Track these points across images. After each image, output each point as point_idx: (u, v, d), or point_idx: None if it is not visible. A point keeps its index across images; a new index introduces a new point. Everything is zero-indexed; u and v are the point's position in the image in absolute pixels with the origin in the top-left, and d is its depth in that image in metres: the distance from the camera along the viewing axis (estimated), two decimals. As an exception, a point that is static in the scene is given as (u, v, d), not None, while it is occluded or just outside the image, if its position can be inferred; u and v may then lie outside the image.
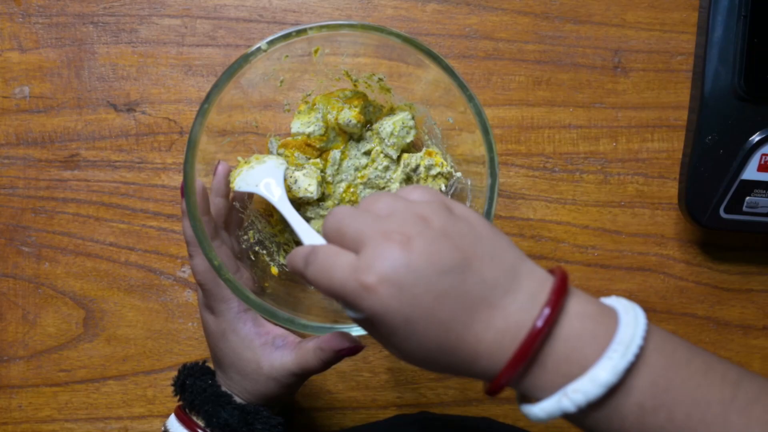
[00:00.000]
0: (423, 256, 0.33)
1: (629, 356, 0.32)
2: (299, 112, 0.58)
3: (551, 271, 0.36)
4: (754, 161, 0.58)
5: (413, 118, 0.57)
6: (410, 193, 0.38)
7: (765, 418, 0.33)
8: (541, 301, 0.34)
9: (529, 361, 0.34)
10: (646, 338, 0.33)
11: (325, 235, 0.38)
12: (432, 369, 0.36)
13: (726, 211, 0.60)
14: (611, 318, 0.34)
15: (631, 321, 0.34)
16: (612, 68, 0.64)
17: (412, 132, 0.57)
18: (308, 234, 0.49)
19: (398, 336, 0.34)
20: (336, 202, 0.59)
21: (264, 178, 0.53)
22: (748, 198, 0.59)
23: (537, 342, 0.33)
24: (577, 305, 0.35)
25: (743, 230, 0.61)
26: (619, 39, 0.64)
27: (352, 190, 0.59)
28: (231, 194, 0.54)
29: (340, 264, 0.35)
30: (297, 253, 0.39)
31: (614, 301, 0.36)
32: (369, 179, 0.58)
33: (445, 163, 0.56)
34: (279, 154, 0.58)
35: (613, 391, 0.33)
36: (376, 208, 0.37)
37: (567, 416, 0.34)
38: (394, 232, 0.34)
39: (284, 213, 0.51)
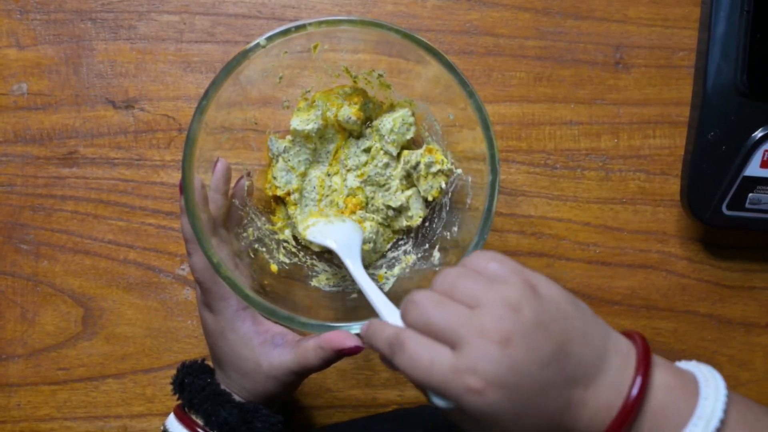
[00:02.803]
0: (524, 353, 0.34)
1: (710, 430, 0.34)
2: (298, 110, 0.57)
3: (629, 337, 0.38)
4: (757, 158, 0.58)
5: (413, 114, 0.57)
6: (486, 265, 0.38)
7: None
8: (628, 378, 0.35)
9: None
10: (727, 410, 0.34)
11: (410, 325, 0.38)
12: None
13: (728, 207, 0.59)
14: (692, 389, 0.35)
15: (711, 393, 0.35)
16: (613, 64, 0.64)
17: (412, 129, 0.57)
18: (387, 308, 0.45)
19: (502, 428, 0.35)
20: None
21: (341, 237, 0.53)
22: (750, 195, 0.59)
23: (630, 417, 0.34)
24: (660, 376, 0.36)
25: (745, 227, 0.60)
26: (621, 35, 0.64)
27: (329, 178, 0.59)
28: (230, 191, 0.53)
29: (439, 362, 0.35)
30: (378, 331, 0.39)
31: (694, 368, 0.37)
32: (369, 176, 0.58)
33: (445, 160, 0.56)
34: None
35: None
36: (459, 294, 0.37)
37: None
38: (492, 330, 0.35)
39: (360, 281, 0.49)
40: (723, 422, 0.34)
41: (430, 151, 0.56)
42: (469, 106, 0.49)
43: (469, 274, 0.38)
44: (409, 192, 0.58)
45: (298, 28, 0.48)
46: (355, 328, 0.47)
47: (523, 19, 0.63)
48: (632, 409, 0.34)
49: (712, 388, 0.35)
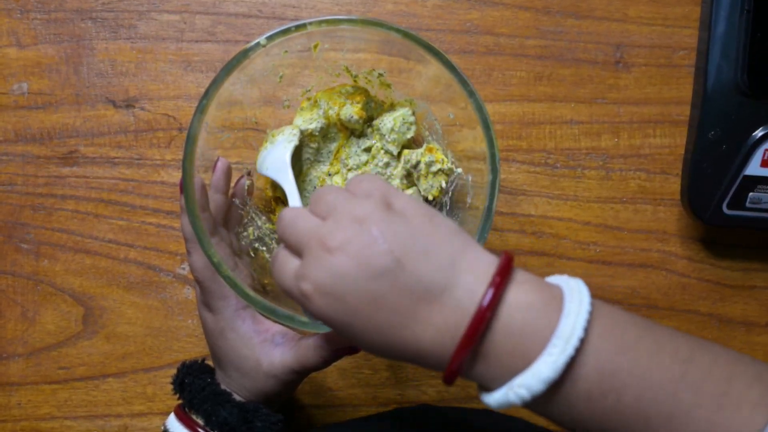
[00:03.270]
0: (354, 263, 0.34)
1: (569, 350, 0.32)
2: (301, 109, 0.57)
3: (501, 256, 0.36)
4: (757, 157, 0.58)
5: (414, 113, 0.57)
6: (358, 184, 0.38)
7: (715, 393, 0.32)
8: (478, 296, 0.34)
9: (470, 357, 0.34)
10: (590, 326, 0.33)
11: (279, 239, 0.39)
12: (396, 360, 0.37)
13: (729, 207, 0.59)
14: (556, 306, 0.34)
15: (573, 310, 0.33)
16: (614, 63, 0.64)
17: (413, 128, 0.57)
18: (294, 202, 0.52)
19: (345, 334, 0.36)
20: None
21: (274, 159, 0.55)
22: (751, 194, 0.59)
23: (473, 341, 0.33)
24: (519, 294, 0.34)
25: (746, 226, 0.60)
26: (621, 34, 0.63)
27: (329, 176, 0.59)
28: (230, 191, 0.53)
29: (287, 270, 0.37)
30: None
31: (563, 283, 0.36)
32: (370, 176, 0.58)
33: (445, 159, 0.56)
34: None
35: (558, 384, 0.33)
36: (319, 207, 0.38)
37: (519, 406, 0.34)
38: (329, 240, 0.35)
39: (288, 192, 0.53)
40: (583, 341, 0.33)
41: (430, 150, 0.56)
42: (469, 105, 0.49)
43: (338, 190, 0.38)
44: (409, 191, 0.58)
45: (298, 27, 0.48)
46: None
47: (524, 18, 0.63)
48: (479, 325, 0.33)
49: (575, 304, 0.33)
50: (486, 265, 0.35)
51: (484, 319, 0.33)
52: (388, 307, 0.34)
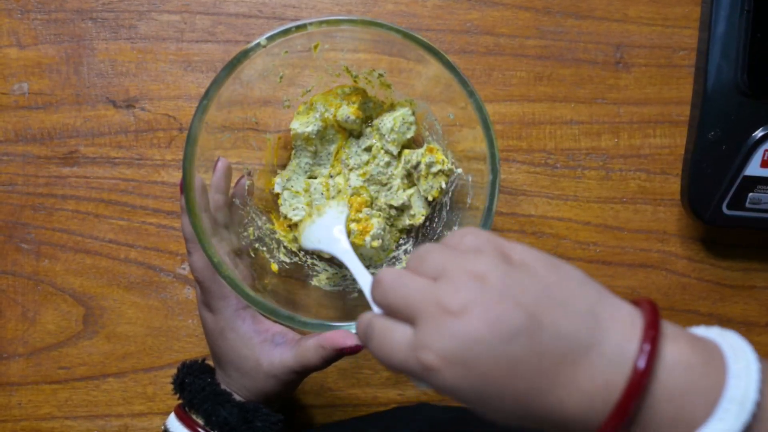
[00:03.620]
0: (484, 325, 0.30)
1: (744, 416, 0.28)
2: (298, 113, 0.57)
3: (636, 303, 0.32)
4: (757, 157, 0.58)
5: (414, 113, 0.57)
6: (461, 239, 0.35)
7: None
8: (632, 351, 0.30)
9: (626, 425, 0.30)
10: (763, 388, 0.29)
11: (377, 304, 0.35)
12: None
13: (729, 207, 0.59)
14: (717, 366, 0.30)
15: (742, 371, 0.29)
16: (614, 64, 0.64)
17: (413, 128, 0.57)
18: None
19: (475, 407, 0.32)
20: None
21: (326, 232, 0.53)
22: (750, 194, 0.59)
23: (630, 406, 0.29)
24: (675, 351, 0.30)
25: (746, 226, 0.60)
26: (621, 34, 0.64)
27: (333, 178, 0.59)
28: (230, 191, 0.53)
29: (397, 342, 0.33)
30: (359, 322, 0.37)
31: (717, 337, 0.32)
32: (371, 176, 0.58)
33: (446, 160, 0.56)
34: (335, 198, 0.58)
35: None
36: (423, 268, 0.34)
37: None
38: (449, 301, 0.31)
39: (348, 265, 0.49)
40: (759, 405, 0.28)
41: (430, 150, 0.56)
42: (469, 105, 0.49)
43: (441, 248, 0.35)
44: (410, 191, 0.58)
45: (298, 27, 0.48)
46: (355, 327, 0.47)
47: (524, 18, 0.63)
48: (637, 388, 0.29)
49: (742, 363, 0.29)
50: (629, 315, 0.31)
51: (642, 382, 0.29)
52: (527, 372, 0.30)
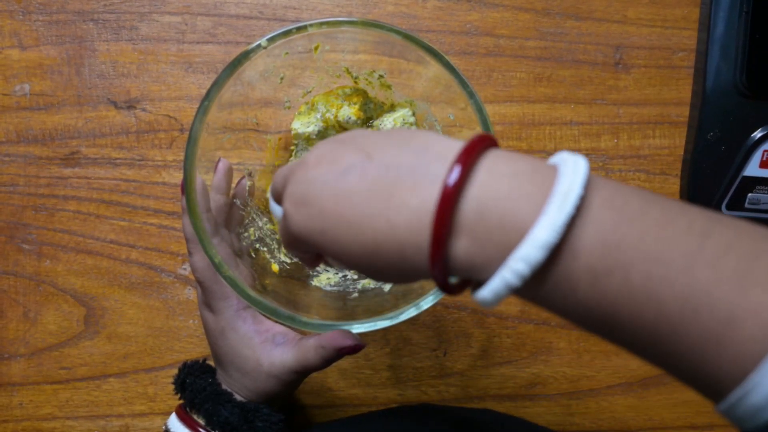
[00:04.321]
0: (324, 167, 0.33)
1: (567, 208, 0.28)
2: (299, 113, 0.58)
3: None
4: (756, 157, 0.58)
5: (414, 114, 0.57)
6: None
7: (738, 271, 0.27)
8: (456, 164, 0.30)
9: (454, 235, 0.30)
10: (589, 189, 0.29)
11: (275, 200, 0.40)
12: (382, 278, 0.34)
13: (728, 207, 0.59)
14: (549, 174, 0.30)
15: (569, 171, 0.29)
16: (613, 65, 0.64)
17: (413, 128, 0.57)
18: None
19: (324, 248, 0.33)
20: None
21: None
22: (750, 194, 0.59)
23: (451, 203, 0.29)
24: (505, 164, 0.30)
25: (745, 227, 0.60)
26: (621, 35, 0.64)
27: None
28: (231, 191, 0.54)
29: (280, 212, 0.37)
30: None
31: (556, 157, 0.31)
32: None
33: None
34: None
35: (558, 254, 0.28)
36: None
37: (518, 294, 0.30)
38: (307, 158, 0.35)
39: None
40: (582, 199, 0.28)
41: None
42: (469, 106, 0.49)
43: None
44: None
45: (299, 29, 0.48)
46: (356, 327, 0.47)
47: (524, 19, 0.63)
48: (452, 193, 0.29)
49: (570, 167, 0.29)
50: (458, 145, 0.32)
51: (460, 180, 0.29)
52: (359, 201, 0.32)
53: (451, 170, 0.29)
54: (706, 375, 0.28)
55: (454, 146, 0.31)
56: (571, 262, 0.28)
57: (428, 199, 0.30)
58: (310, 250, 0.37)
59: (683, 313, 0.27)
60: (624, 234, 0.28)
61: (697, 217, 0.29)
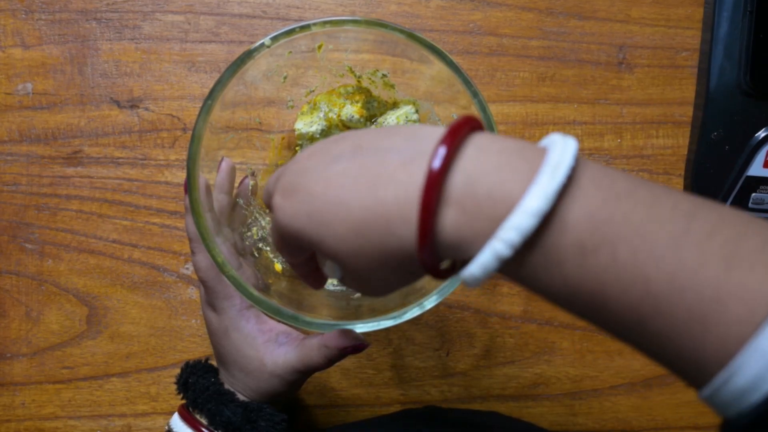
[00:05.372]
0: (315, 157, 0.34)
1: (558, 177, 0.28)
2: (302, 113, 0.57)
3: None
4: (760, 157, 0.58)
5: (417, 111, 0.57)
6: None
7: (723, 252, 0.27)
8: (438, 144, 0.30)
9: (443, 208, 0.30)
10: (578, 168, 0.29)
11: (266, 203, 0.39)
12: (380, 275, 0.33)
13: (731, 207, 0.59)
14: (538, 151, 0.30)
15: (558, 147, 0.29)
16: (616, 64, 0.64)
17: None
18: None
19: (314, 237, 0.33)
20: None
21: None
22: (753, 194, 0.59)
23: (440, 175, 0.29)
24: (493, 142, 0.31)
25: (749, 227, 0.60)
26: (624, 35, 0.64)
27: None
28: (234, 191, 0.54)
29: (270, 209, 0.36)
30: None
31: (546, 139, 0.32)
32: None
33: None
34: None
35: (548, 224, 0.28)
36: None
37: (505, 271, 0.30)
38: (298, 156, 0.35)
39: None
40: (573, 170, 0.29)
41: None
42: (473, 105, 0.49)
43: None
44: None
45: (302, 28, 0.48)
46: (359, 326, 0.47)
47: (527, 19, 0.63)
48: (442, 168, 0.29)
49: (559, 145, 0.30)
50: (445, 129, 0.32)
51: (448, 155, 0.30)
52: (348, 182, 0.32)
53: (439, 144, 0.30)
54: (692, 358, 0.28)
55: (442, 129, 0.32)
56: (559, 235, 0.28)
57: (416, 172, 0.30)
58: (301, 248, 0.36)
59: (670, 293, 0.27)
60: (612, 211, 0.28)
61: (682, 199, 0.29)
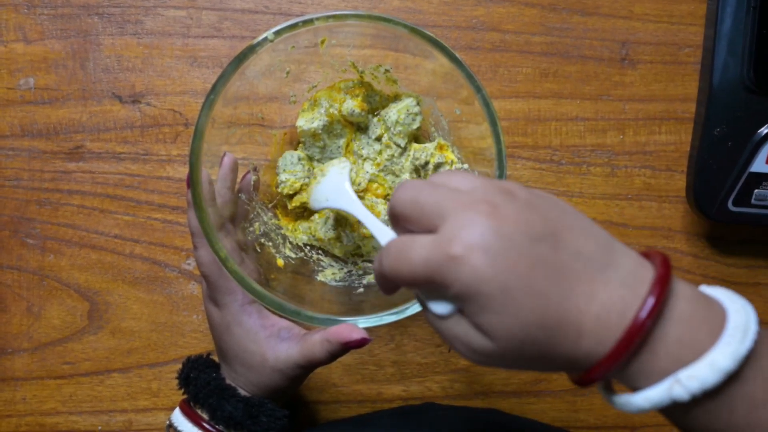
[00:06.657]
0: (512, 223, 0.31)
1: (748, 343, 0.30)
2: (303, 110, 0.57)
3: (644, 255, 0.34)
4: (763, 153, 0.58)
5: (418, 103, 0.57)
6: (449, 178, 0.36)
7: None
8: (647, 278, 0.32)
9: (639, 342, 0.31)
10: (760, 327, 0.32)
11: (396, 209, 0.35)
12: (523, 362, 0.33)
13: (734, 204, 0.59)
14: (717, 304, 0.32)
15: (740, 308, 0.32)
16: (619, 60, 0.64)
17: (418, 118, 0.57)
18: (385, 234, 0.45)
19: (493, 309, 0.31)
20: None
21: (332, 189, 0.53)
22: (756, 191, 0.59)
23: (650, 319, 0.30)
24: (683, 287, 0.32)
25: (751, 223, 0.60)
26: (627, 31, 0.63)
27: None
28: (236, 186, 0.53)
29: (419, 245, 0.32)
30: (376, 259, 0.36)
31: (713, 290, 0.34)
32: (385, 165, 0.58)
33: (455, 159, 0.56)
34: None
35: (729, 379, 0.30)
36: (453, 182, 0.35)
37: (668, 410, 0.32)
38: (479, 202, 0.32)
39: (358, 215, 0.49)
40: (760, 336, 0.31)
41: (441, 148, 0.56)
42: (476, 101, 0.49)
43: (438, 185, 0.35)
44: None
45: (305, 22, 0.48)
46: (362, 321, 0.47)
47: (530, 15, 0.63)
48: (655, 309, 0.30)
49: (738, 304, 0.32)
50: (637, 254, 0.34)
51: (659, 300, 0.30)
52: (549, 274, 0.31)
53: (648, 295, 0.31)
54: None
55: (637, 256, 0.33)
56: (736, 388, 0.31)
57: (619, 301, 0.31)
58: (441, 294, 0.33)
59: None
60: None
61: None
